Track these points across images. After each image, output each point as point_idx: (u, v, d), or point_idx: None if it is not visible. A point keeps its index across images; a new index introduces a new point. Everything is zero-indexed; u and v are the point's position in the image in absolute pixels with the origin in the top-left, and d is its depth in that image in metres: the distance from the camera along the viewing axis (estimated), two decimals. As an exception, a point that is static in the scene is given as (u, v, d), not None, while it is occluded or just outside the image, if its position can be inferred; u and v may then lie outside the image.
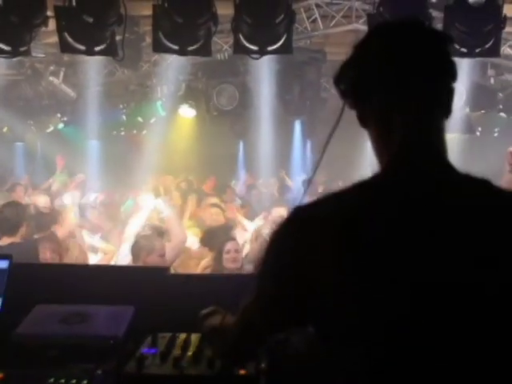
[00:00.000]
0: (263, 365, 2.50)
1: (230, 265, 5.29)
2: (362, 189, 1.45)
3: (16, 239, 5.34)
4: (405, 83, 1.46)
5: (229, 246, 5.40)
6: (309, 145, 13.12)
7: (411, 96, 1.46)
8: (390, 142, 1.49)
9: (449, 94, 1.53)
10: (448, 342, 1.34)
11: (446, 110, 1.53)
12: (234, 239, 5.68)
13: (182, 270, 5.62)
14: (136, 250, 5.05)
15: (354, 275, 1.37)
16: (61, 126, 11.90)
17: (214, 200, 8.19)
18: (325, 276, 1.39)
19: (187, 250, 6.14)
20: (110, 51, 5.26)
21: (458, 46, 5.03)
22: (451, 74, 1.53)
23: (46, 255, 5.24)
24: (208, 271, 5.54)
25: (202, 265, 5.76)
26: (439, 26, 5.52)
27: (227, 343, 1.71)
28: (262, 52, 5.27)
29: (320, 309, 1.43)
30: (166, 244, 5.28)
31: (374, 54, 1.50)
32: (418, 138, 1.46)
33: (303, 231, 1.44)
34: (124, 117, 11.68)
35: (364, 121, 1.55)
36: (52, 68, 9.85)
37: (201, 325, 1.91)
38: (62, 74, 9.94)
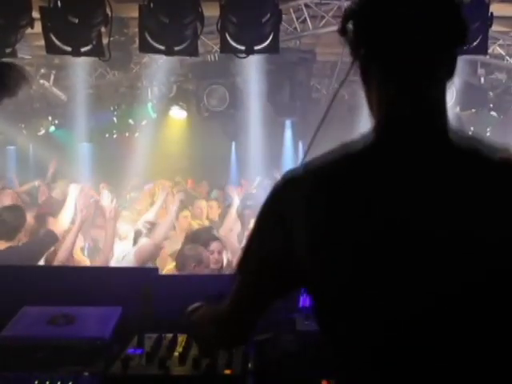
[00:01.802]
0: (250, 365, 2.50)
1: (213, 265, 5.20)
2: (347, 156, 1.42)
3: (15, 243, 5.31)
4: (406, 41, 1.39)
5: (213, 246, 5.31)
6: (300, 146, 13.11)
7: (411, 56, 1.40)
8: (385, 99, 1.45)
9: (453, 54, 1.45)
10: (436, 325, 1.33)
11: (449, 72, 1.45)
12: (218, 239, 5.62)
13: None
14: (182, 259, 5.05)
15: (330, 242, 1.37)
16: (52, 128, 11.87)
17: (203, 203, 8.08)
18: (301, 241, 1.39)
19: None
20: (97, 52, 5.24)
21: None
22: (458, 34, 1.44)
23: None
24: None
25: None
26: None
27: (219, 325, 1.68)
28: (249, 51, 5.25)
29: (301, 278, 1.44)
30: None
31: (379, 7, 1.42)
32: (413, 100, 1.41)
33: (287, 196, 1.44)
34: (115, 119, 11.66)
35: (364, 72, 1.49)
36: (42, 71, 9.82)
37: (188, 318, 1.89)
38: (52, 76, 9.91)
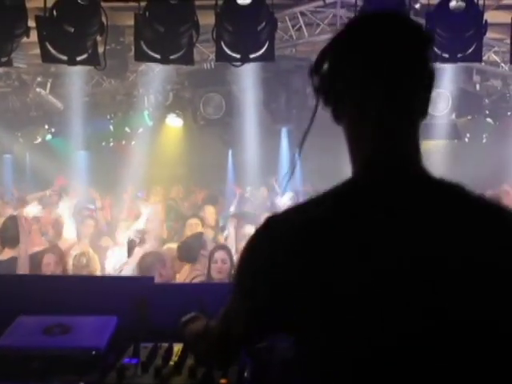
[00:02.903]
0: (246, 373, 2.49)
1: (216, 275, 5.19)
2: (328, 200, 1.42)
3: (16, 252, 5.33)
4: (378, 83, 1.39)
5: (216, 255, 5.29)
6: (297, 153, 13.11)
7: (384, 97, 1.40)
8: (361, 144, 1.44)
9: (425, 94, 1.45)
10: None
11: (423, 112, 1.45)
12: (223, 248, 5.59)
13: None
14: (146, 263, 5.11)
15: (315, 290, 1.35)
16: (49, 137, 11.85)
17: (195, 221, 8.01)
18: (289, 290, 1.37)
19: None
20: (92, 61, 5.23)
21: (439, 52, 5.05)
22: (429, 74, 1.44)
23: (50, 267, 5.21)
24: (198, 280, 5.49)
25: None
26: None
27: (209, 346, 1.67)
28: (245, 60, 5.25)
29: (290, 321, 1.42)
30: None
31: (347, 48, 1.43)
32: (390, 143, 1.41)
33: (269, 244, 1.42)
34: (111, 127, 11.64)
35: (338, 117, 1.49)
36: (39, 79, 9.85)
37: (182, 331, 1.89)
38: (49, 85, 9.93)
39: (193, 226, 7.41)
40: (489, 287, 1.33)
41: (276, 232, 1.42)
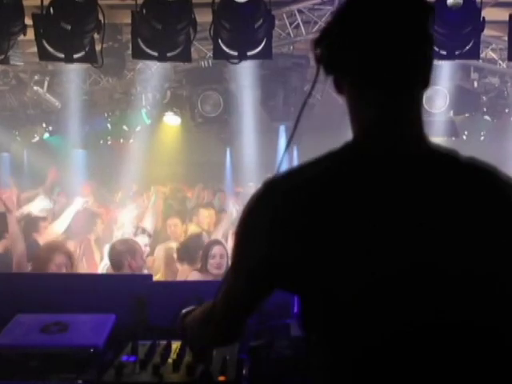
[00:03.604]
0: (244, 371, 2.49)
1: (214, 270, 5.14)
2: (330, 163, 1.43)
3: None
4: (377, 53, 1.41)
5: (215, 249, 5.23)
6: (295, 151, 13.10)
7: (385, 67, 1.42)
8: (361, 113, 1.47)
9: (426, 64, 1.47)
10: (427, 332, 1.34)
11: (424, 81, 1.47)
12: (220, 243, 5.56)
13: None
14: (116, 256, 5.04)
15: (316, 252, 1.36)
16: (46, 135, 11.82)
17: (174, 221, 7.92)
18: (290, 252, 1.39)
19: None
20: (89, 58, 5.22)
21: (437, 49, 5.04)
22: (429, 43, 1.47)
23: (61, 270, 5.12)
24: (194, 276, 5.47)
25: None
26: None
27: (214, 323, 1.65)
28: (242, 57, 5.25)
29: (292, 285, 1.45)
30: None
31: (348, 19, 1.45)
32: (392, 112, 1.43)
33: (269, 206, 1.44)
34: (109, 125, 11.63)
35: (339, 87, 1.51)
36: (36, 77, 9.81)
37: (182, 321, 1.88)
38: (46, 83, 9.89)
39: (171, 228, 7.39)
40: (485, 257, 1.36)
41: (276, 193, 1.44)
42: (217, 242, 5.52)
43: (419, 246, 1.34)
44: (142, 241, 5.91)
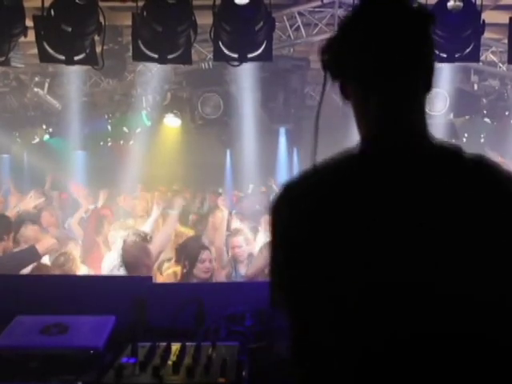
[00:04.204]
0: (244, 373, 2.49)
1: (202, 275, 5.11)
2: (337, 166, 1.46)
3: None
4: (382, 58, 1.45)
5: (205, 255, 5.21)
6: (295, 153, 13.11)
7: (389, 72, 1.46)
8: (366, 118, 1.50)
9: (428, 68, 1.51)
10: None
11: (426, 85, 1.51)
12: (207, 248, 5.51)
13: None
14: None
15: (325, 254, 1.38)
16: (47, 137, 11.82)
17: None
18: (301, 255, 1.41)
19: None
20: (90, 61, 5.22)
21: (437, 52, 5.04)
22: (431, 48, 1.51)
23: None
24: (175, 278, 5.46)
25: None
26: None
27: None
28: (242, 59, 5.25)
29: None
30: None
31: (354, 27, 1.49)
32: (395, 114, 1.46)
33: (283, 211, 1.47)
34: (109, 127, 11.63)
35: (345, 93, 1.55)
36: (37, 79, 9.81)
37: None
38: (46, 85, 9.89)
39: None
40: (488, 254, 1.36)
41: (287, 199, 1.48)
42: (205, 247, 5.52)
43: (427, 250, 1.34)
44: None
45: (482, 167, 1.43)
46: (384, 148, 1.44)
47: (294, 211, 1.43)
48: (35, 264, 5.25)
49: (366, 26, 1.46)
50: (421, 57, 1.48)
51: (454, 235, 1.35)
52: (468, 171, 1.42)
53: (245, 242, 6.27)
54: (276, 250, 1.50)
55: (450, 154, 1.44)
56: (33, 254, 5.37)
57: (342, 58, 1.50)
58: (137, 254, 5.08)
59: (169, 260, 5.97)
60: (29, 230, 6.15)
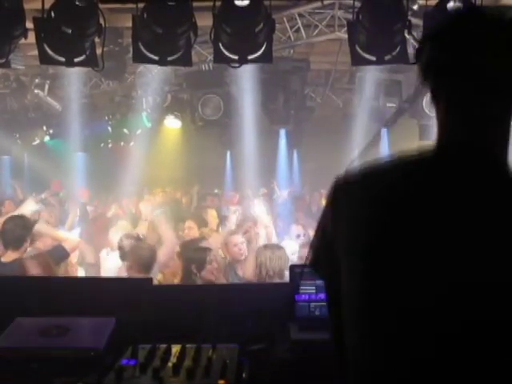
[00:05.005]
0: (244, 374, 2.49)
1: (211, 276, 5.08)
2: (405, 172, 1.48)
3: (21, 254, 5.26)
4: (468, 72, 1.45)
5: (211, 256, 5.20)
6: (295, 154, 13.13)
7: (470, 85, 1.45)
8: (445, 125, 1.51)
9: None
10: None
11: (508, 100, 1.48)
12: (212, 249, 5.49)
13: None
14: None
15: (386, 258, 1.42)
16: (47, 138, 11.84)
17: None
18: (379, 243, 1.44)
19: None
20: (90, 62, 5.22)
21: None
22: None
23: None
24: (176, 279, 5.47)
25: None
26: (419, 33, 5.56)
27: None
28: (242, 61, 5.24)
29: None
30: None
31: (447, 40, 1.49)
32: (472, 132, 1.47)
33: (339, 207, 1.54)
34: (110, 128, 11.63)
35: (433, 97, 1.55)
36: (37, 81, 9.83)
37: None
38: (47, 86, 9.91)
39: (185, 231, 7.38)
40: None
41: (350, 194, 1.53)
42: (210, 249, 5.50)
43: (483, 258, 1.36)
44: None
45: None
46: (459, 162, 1.45)
47: (369, 196, 1.47)
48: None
49: (464, 48, 1.46)
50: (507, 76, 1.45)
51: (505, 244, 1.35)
52: None
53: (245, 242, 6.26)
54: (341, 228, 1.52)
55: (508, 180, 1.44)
56: (61, 253, 5.41)
57: (433, 64, 1.51)
58: (148, 254, 5.11)
59: None
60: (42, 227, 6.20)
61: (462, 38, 1.46)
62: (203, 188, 11.69)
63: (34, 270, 4.89)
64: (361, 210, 1.47)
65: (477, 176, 1.42)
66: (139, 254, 5.13)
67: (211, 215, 8.33)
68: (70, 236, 6.08)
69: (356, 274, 1.46)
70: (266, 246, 5.57)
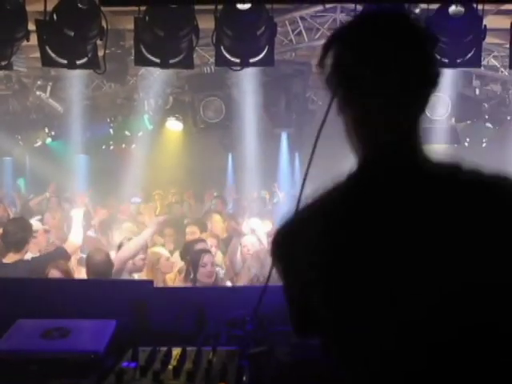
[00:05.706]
0: (244, 378, 2.49)
1: (205, 279, 5.07)
2: (340, 192, 1.48)
3: (22, 256, 5.27)
4: (382, 78, 1.44)
5: (206, 258, 5.15)
6: (297, 157, 13.12)
7: (387, 91, 1.45)
8: (365, 135, 1.50)
9: (428, 92, 1.51)
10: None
11: (423, 105, 1.50)
12: (208, 251, 5.49)
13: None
14: None
15: (337, 281, 1.42)
16: (49, 140, 11.85)
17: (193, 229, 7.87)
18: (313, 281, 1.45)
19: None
20: (92, 65, 5.23)
21: (439, 57, 5.04)
22: (432, 71, 1.51)
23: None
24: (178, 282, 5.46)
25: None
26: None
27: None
28: (244, 64, 5.25)
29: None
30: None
31: (355, 44, 1.48)
32: (392, 135, 1.47)
33: (287, 245, 1.53)
34: (111, 131, 11.65)
35: (341, 108, 1.54)
36: (39, 82, 9.84)
37: None
38: (49, 88, 9.92)
39: (188, 235, 7.38)
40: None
41: (289, 233, 1.55)
42: (206, 251, 5.45)
43: (426, 269, 1.36)
44: None
45: (481, 186, 1.44)
46: (387, 167, 1.46)
47: (316, 232, 1.46)
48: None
49: (371, 48, 1.44)
50: (425, 78, 1.48)
51: (461, 244, 1.36)
52: (466, 190, 1.42)
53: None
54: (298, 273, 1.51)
55: (449, 172, 1.45)
56: (62, 255, 5.44)
57: (341, 74, 1.50)
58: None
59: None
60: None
61: (368, 45, 1.44)
62: (205, 191, 11.71)
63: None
64: (315, 249, 1.45)
65: (413, 180, 1.44)
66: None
67: (215, 220, 8.30)
68: (71, 238, 6.09)
69: (341, 300, 1.44)
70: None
